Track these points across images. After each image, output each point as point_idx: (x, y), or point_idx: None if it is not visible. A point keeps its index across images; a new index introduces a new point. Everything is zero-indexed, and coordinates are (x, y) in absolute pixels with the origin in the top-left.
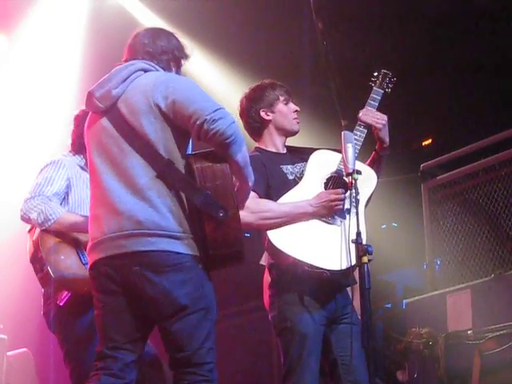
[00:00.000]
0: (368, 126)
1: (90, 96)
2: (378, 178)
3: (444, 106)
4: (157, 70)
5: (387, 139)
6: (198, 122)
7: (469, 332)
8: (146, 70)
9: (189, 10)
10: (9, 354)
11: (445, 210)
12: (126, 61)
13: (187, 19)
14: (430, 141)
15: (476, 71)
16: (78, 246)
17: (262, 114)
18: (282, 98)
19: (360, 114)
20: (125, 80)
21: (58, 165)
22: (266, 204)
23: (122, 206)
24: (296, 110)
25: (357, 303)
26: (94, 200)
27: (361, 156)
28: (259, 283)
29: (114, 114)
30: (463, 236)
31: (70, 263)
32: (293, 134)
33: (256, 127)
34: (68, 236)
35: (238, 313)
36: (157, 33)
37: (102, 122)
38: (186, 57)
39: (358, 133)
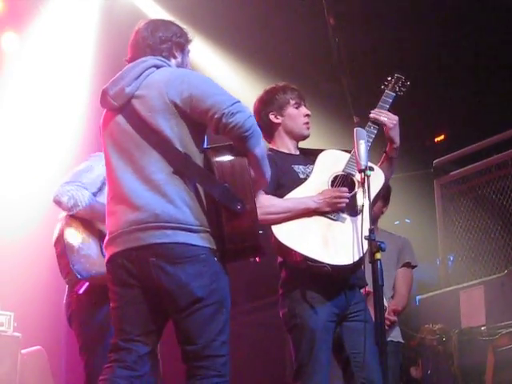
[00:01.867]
0: (378, 126)
1: (104, 94)
2: (388, 179)
3: (457, 103)
4: (169, 66)
5: (397, 139)
6: (216, 116)
7: (482, 328)
8: (158, 66)
9: (201, 8)
10: (23, 351)
11: (457, 205)
12: (130, 59)
13: (200, 16)
14: (442, 137)
15: (489, 67)
16: (101, 238)
17: (272, 117)
18: (292, 102)
19: (371, 113)
20: (138, 77)
21: (101, 157)
22: (269, 199)
23: (139, 200)
24: (307, 115)
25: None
26: (111, 196)
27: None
28: (270, 281)
29: (128, 112)
30: (476, 232)
31: (92, 260)
32: (302, 138)
33: (267, 129)
34: (93, 226)
35: (249, 310)
36: (155, 24)
37: (117, 119)
38: (187, 40)
39: (369, 133)
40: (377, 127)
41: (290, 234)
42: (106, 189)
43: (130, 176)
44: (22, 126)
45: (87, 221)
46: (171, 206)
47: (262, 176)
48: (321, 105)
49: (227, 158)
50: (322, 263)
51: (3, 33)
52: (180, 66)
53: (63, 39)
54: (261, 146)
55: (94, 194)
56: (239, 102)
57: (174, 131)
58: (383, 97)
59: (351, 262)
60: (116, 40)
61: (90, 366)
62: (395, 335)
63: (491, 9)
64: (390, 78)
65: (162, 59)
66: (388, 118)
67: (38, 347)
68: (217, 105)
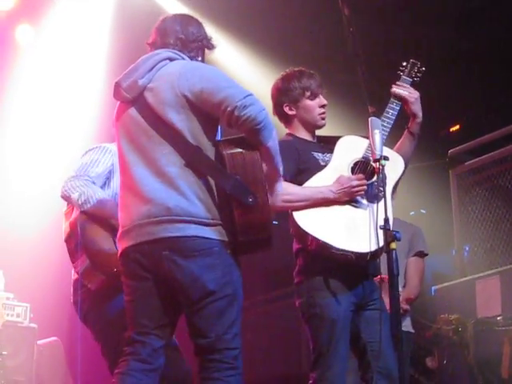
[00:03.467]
0: (400, 102)
1: (117, 86)
2: (409, 158)
3: (472, 92)
4: (182, 59)
5: (420, 114)
6: (228, 109)
7: (498, 318)
8: (171, 59)
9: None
10: (39, 342)
11: (473, 195)
12: (154, 42)
13: (215, 8)
14: (457, 127)
15: (505, 56)
16: (114, 233)
17: (286, 108)
18: (307, 93)
19: (393, 88)
20: (151, 69)
21: (105, 150)
22: (288, 187)
23: (151, 193)
24: (323, 105)
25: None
26: (123, 189)
27: (392, 133)
28: (285, 271)
29: (141, 104)
30: (492, 222)
31: (108, 255)
32: (318, 128)
33: (283, 118)
34: (105, 221)
35: (264, 301)
36: (187, 19)
37: (130, 111)
38: (212, 47)
39: (391, 111)
40: (399, 103)
41: (312, 222)
42: (112, 182)
43: (142, 169)
44: (36, 120)
45: (98, 216)
46: (183, 199)
47: (275, 168)
48: (336, 95)
49: (239, 150)
50: (346, 251)
51: (18, 25)
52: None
53: (78, 32)
54: (273, 139)
55: (100, 187)
56: (252, 94)
57: (186, 124)
58: (400, 82)
59: (373, 250)
60: (131, 32)
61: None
62: (406, 325)
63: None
64: (405, 64)
65: (177, 52)
66: (409, 92)
67: (54, 338)
68: (229, 98)
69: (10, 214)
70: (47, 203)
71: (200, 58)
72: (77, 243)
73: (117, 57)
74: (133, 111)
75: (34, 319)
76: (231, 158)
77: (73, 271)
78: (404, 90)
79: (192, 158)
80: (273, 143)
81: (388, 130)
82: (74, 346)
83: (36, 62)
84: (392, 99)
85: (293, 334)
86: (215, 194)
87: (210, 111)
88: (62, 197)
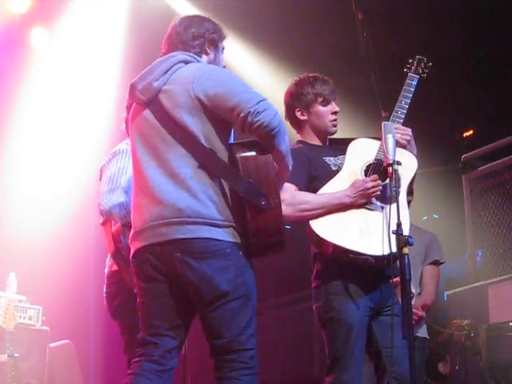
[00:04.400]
0: (419, 76)
1: (132, 88)
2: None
3: (485, 97)
4: (198, 61)
5: (414, 152)
6: (242, 114)
7: (510, 324)
8: (186, 62)
9: (230, 3)
10: (51, 345)
11: (486, 201)
12: (164, 54)
13: (228, 11)
14: (471, 132)
15: None
16: None
17: (298, 113)
18: (320, 99)
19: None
20: (166, 72)
21: (128, 154)
22: (304, 196)
23: (163, 195)
24: (335, 112)
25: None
26: (136, 189)
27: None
28: (297, 275)
29: (155, 106)
30: (505, 227)
31: None
32: (329, 134)
33: (294, 123)
34: None
35: (277, 305)
36: (189, 21)
37: (145, 113)
38: (220, 37)
39: (400, 109)
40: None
41: (328, 228)
42: None
43: (154, 170)
44: (50, 123)
45: None
46: (195, 200)
47: (286, 171)
48: (349, 99)
49: (251, 153)
50: (365, 255)
51: (32, 28)
52: (212, 62)
53: (92, 35)
54: (286, 143)
55: None
56: (265, 99)
57: (199, 127)
58: (407, 80)
59: (390, 253)
60: (145, 36)
61: None
62: (421, 331)
63: None
64: (411, 61)
65: (192, 55)
66: (401, 135)
67: (66, 341)
68: (242, 103)
69: (22, 218)
70: (59, 206)
71: (212, 54)
72: (125, 258)
73: (130, 59)
74: (147, 113)
75: (46, 322)
76: (244, 161)
77: (108, 263)
78: (396, 132)
79: (205, 160)
80: (285, 147)
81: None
82: (86, 349)
83: (50, 65)
84: (400, 98)
85: (305, 337)
86: (228, 196)
87: (223, 115)
88: (103, 214)
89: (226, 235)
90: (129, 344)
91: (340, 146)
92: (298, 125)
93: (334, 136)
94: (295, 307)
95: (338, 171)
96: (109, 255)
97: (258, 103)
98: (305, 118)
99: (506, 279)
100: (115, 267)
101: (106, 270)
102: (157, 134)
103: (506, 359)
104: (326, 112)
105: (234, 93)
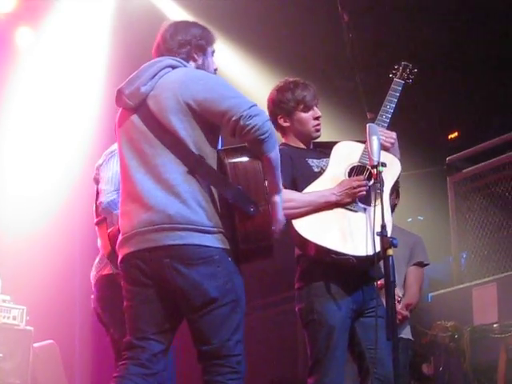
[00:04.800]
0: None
1: (119, 93)
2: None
3: (470, 100)
4: (185, 66)
5: (398, 156)
6: (233, 119)
7: (494, 325)
8: (174, 67)
9: (216, 4)
10: (35, 345)
11: (470, 203)
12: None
13: (213, 12)
14: (455, 134)
15: (503, 64)
16: None
17: (281, 121)
18: (301, 106)
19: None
20: (153, 77)
21: None
22: (289, 194)
23: (152, 200)
24: (317, 117)
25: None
26: (124, 195)
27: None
28: (282, 277)
29: (143, 111)
30: (489, 229)
31: None
32: (312, 139)
33: (278, 128)
34: None
35: (262, 306)
36: (176, 27)
37: (132, 118)
38: (208, 42)
39: (385, 114)
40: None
41: (311, 228)
42: None
43: (142, 175)
44: (35, 122)
45: None
46: (184, 206)
47: (275, 180)
48: (334, 101)
49: (240, 159)
50: (347, 255)
51: (18, 28)
52: (200, 67)
53: (78, 35)
54: (276, 150)
55: None
56: (256, 105)
57: (188, 132)
58: (392, 85)
59: (371, 254)
60: (130, 37)
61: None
62: (406, 332)
63: (508, 5)
64: (397, 66)
65: (179, 59)
66: (385, 138)
67: (50, 341)
68: (234, 108)
69: (6, 217)
70: (44, 206)
71: (200, 60)
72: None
73: (116, 60)
74: (135, 118)
75: (30, 322)
76: (233, 167)
77: (97, 266)
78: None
79: (194, 166)
80: (275, 153)
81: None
82: (70, 350)
83: (35, 64)
84: (385, 102)
85: (289, 339)
86: (217, 201)
87: (212, 120)
88: (103, 212)
89: (215, 241)
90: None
91: (324, 150)
92: (281, 130)
93: (319, 139)
94: (279, 308)
95: (320, 173)
96: (97, 258)
97: (249, 108)
98: (287, 124)
99: (490, 281)
100: (107, 271)
101: (94, 274)
102: (145, 139)
103: (489, 361)
104: (309, 118)
105: (225, 97)
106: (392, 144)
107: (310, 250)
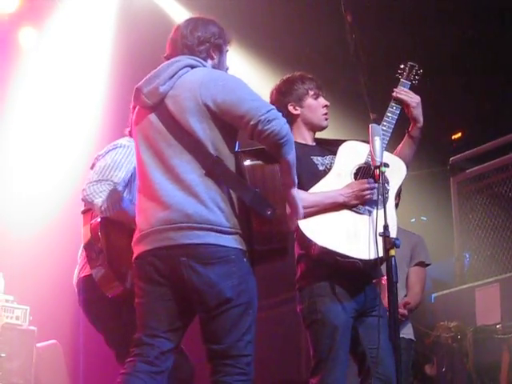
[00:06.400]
0: (401, 106)
1: (137, 92)
2: (410, 162)
3: (474, 100)
4: (204, 66)
5: (421, 118)
6: (252, 122)
7: (497, 326)
8: (193, 66)
9: (219, 5)
10: (38, 345)
11: (474, 203)
12: (168, 56)
13: (216, 12)
14: (459, 134)
15: (507, 64)
16: None
17: (290, 108)
18: (311, 93)
19: (394, 91)
20: (172, 76)
21: (128, 150)
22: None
23: (170, 199)
24: (326, 105)
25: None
26: (141, 193)
27: (393, 138)
28: (285, 277)
29: (161, 111)
30: (492, 230)
31: (130, 263)
32: (321, 129)
33: (286, 117)
34: (128, 228)
35: (265, 306)
36: (195, 23)
37: (150, 117)
38: (225, 41)
39: (391, 114)
40: (399, 107)
41: (317, 230)
42: (134, 185)
43: (160, 175)
44: (38, 122)
45: (121, 223)
46: (203, 206)
47: (292, 181)
48: (338, 101)
49: (258, 162)
50: (354, 258)
51: (21, 28)
52: (216, 66)
53: (81, 35)
54: (293, 153)
55: (122, 192)
56: (274, 108)
57: (207, 133)
58: (399, 86)
59: (375, 257)
60: (134, 35)
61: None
62: (407, 332)
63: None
64: (403, 67)
65: (197, 59)
66: (410, 97)
67: (54, 341)
68: (252, 111)
69: (10, 216)
70: (48, 205)
71: (217, 57)
72: (97, 250)
73: (120, 60)
74: (153, 117)
75: (34, 322)
76: (251, 169)
77: (80, 267)
78: (405, 94)
79: (212, 168)
80: (292, 156)
81: (389, 134)
82: (73, 349)
83: (39, 64)
84: (392, 103)
85: (292, 339)
86: (234, 203)
87: (231, 122)
88: (85, 201)
89: (232, 242)
90: (120, 357)
91: (328, 147)
92: (291, 119)
93: (322, 136)
94: (282, 309)
95: (325, 171)
96: (79, 257)
97: (268, 112)
98: (297, 112)
99: (493, 282)
100: (85, 272)
101: (77, 274)
102: (162, 138)
103: (492, 361)
104: (318, 105)
105: (243, 100)
106: (417, 103)
107: (314, 251)
